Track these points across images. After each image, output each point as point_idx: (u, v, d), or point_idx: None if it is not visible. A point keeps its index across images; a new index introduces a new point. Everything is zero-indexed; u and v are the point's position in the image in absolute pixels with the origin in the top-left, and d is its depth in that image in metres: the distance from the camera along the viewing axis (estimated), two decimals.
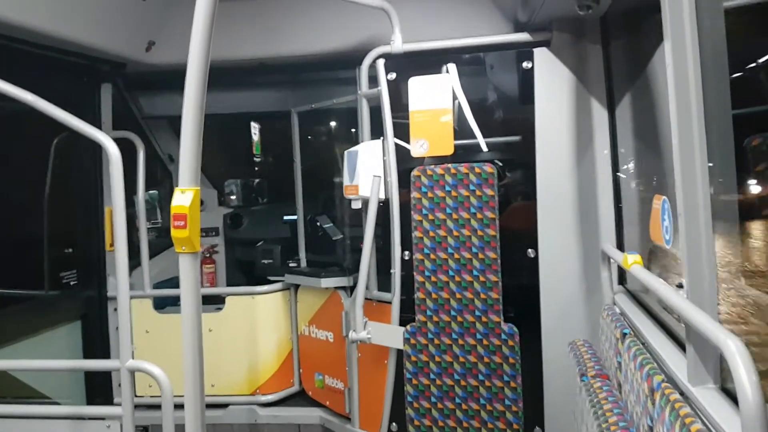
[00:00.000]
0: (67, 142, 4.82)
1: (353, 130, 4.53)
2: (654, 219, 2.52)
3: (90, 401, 4.79)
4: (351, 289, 4.59)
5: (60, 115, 3.19)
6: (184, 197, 2.24)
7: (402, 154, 4.08)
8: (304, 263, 5.26)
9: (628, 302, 3.14)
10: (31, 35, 3.72)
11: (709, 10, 1.92)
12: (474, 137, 4.09)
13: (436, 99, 3.97)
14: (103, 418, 3.62)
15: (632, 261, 2.65)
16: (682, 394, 1.91)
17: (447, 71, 4.05)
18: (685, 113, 1.89)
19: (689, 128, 1.89)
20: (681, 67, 1.90)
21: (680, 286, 1.99)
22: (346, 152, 4.27)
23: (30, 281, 4.77)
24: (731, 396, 1.81)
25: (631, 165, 3.64)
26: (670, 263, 2.70)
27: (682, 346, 2.20)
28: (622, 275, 3.57)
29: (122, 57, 4.59)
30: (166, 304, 5.18)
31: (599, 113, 3.84)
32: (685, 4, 1.88)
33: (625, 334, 2.58)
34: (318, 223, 5.38)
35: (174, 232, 2.26)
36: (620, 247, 3.69)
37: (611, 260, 3.36)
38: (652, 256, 2.99)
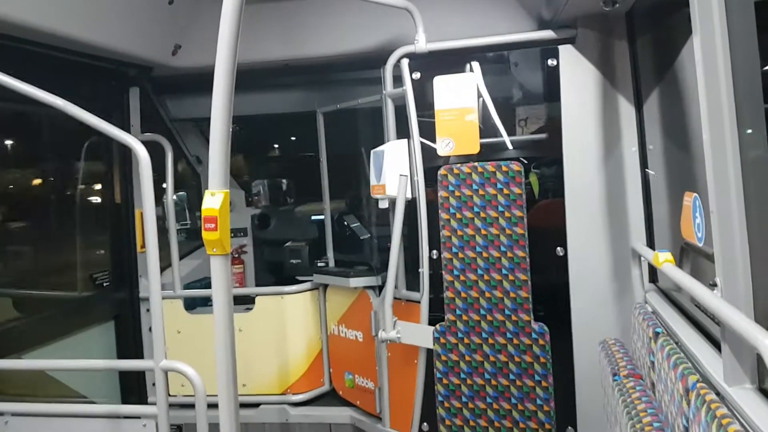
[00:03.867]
0: (97, 146, 4.91)
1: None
2: (685, 216, 2.49)
3: (124, 400, 4.87)
4: (380, 289, 4.60)
5: (90, 120, 3.24)
6: (214, 200, 2.27)
7: (428, 153, 4.08)
8: (332, 263, 5.28)
9: (660, 301, 3.10)
10: (60, 41, 3.79)
11: (739, 3, 1.89)
12: (499, 135, 4.07)
13: (462, 98, 3.97)
14: (138, 417, 3.67)
15: (664, 259, 2.62)
16: (718, 394, 1.88)
17: (471, 70, 4.04)
18: (716, 109, 1.87)
19: (720, 124, 1.86)
20: (711, 63, 1.88)
21: (714, 284, 1.96)
22: (372, 152, 4.28)
23: (64, 282, 4.87)
24: None
25: (661, 162, 3.59)
26: (702, 261, 2.67)
27: (716, 345, 2.17)
28: (653, 273, 3.53)
29: (149, 61, 4.66)
30: (196, 305, 5.25)
31: (627, 110, 3.80)
32: None
33: (657, 333, 2.55)
34: (345, 223, 5.39)
35: (205, 234, 2.29)
36: (651, 244, 3.65)
37: (642, 258, 3.32)
38: (684, 254, 2.95)
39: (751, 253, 1.85)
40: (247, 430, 4.89)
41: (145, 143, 3.29)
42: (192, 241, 5.78)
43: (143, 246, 4.82)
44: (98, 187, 5.07)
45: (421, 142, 4.08)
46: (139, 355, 4.97)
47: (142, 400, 4.94)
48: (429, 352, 4.07)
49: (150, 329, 4.01)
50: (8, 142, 4.68)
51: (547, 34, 3.96)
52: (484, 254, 3.90)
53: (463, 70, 4.04)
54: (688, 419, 1.92)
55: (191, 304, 5.18)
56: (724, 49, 1.85)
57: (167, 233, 5.08)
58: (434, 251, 4.06)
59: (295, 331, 5.00)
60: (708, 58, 1.88)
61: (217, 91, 2.20)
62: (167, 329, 4.75)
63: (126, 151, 4.76)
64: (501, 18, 4.14)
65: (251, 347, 4.87)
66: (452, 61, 4.09)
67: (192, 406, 3.29)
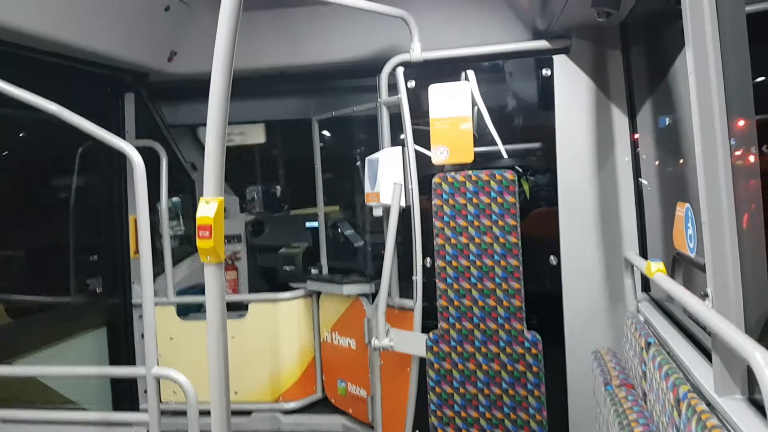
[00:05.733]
0: (91, 152, 4.90)
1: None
2: (677, 227, 2.50)
3: (116, 407, 4.85)
4: (373, 296, 4.59)
5: (84, 125, 3.24)
6: (208, 208, 2.26)
7: (422, 162, 4.09)
8: (325, 270, 5.28)
9: (652, 310, 3.11)
10: (56, 47, 3.79)
11: (731, 15, 1.90)
12: (494, 144, 4.09)
13: (456, 106, 3.98)
14: (130, 424, 3.66)
15: (656, 269, 2.63)
16: (708, 404, 1.89)
17: (466, 79, 4.06)
18: (708, 119, 1.88)
19: (712, 135, 1.87)
20: (703, 74, 1.89)
21: (705, 294, 1.97)
22: (366, 159, 4.29)
23: (57, 288, 4.85)
24: (759, 407, 1.78)
25: (654, 171, 3.61)
26: (695, 271, 2.68)
27: (708, 356, 2.17)
28: (646, 283, 3.54)
29: (145, 67, 4.66)
30: (189, 311, 5.23)
31: (620, 120, 3.82)
32: (706, 10, 1.86)
33: (649, 343, 2.55)
34: (339, 230, 5.40)
35: (199, 243, 2.28)
36: (643, 254, 3.67)
37: (634, 268, 3.33)
38: (676, 264, 2.96)
39: (742, 264, 1.86)
40: None
41: (139, 149, 3.29)
42: (185, 247, 5.77)
43: (136, 252, 4.81)
44: (92, 192, 5.06)
45: (416, 150, 4.09)
46: (132, 361, 4.94)
47: (134, 407, 4.91)
48: (422, 360, 4.07)
49: (142, 336, 3.99)
50: (1, 147, 4.67)
51: (542, 44, 3.98)
52: (478, 263, 3.90)
53: (458, 79, 4.06)
54: (679, 429, 1.92)
55: (184, 311, 5.16)
56: (716, 60, 1.87)
57: (161, 239, 5.07)
58: (428, 259, 4.06)
59: (287, 338, 5.00)
60: (700, 69, 1.89)
61: (213, 98, 2.20)
62: (160, 336, 4.74)
63: (120, 157, 4.76)
64: (496, 27, 4.16)
65: (244, 354, 4.85)
66: (447, 69, 4.10)
67: (184, 413, 3.28)
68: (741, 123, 1.92)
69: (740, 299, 1.86)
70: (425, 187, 4.06)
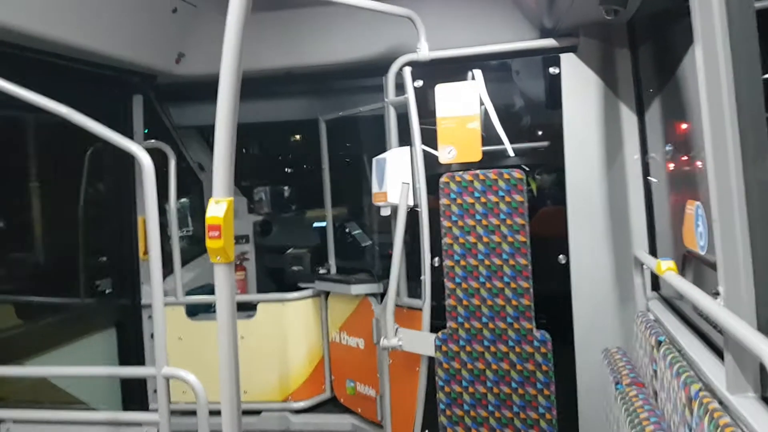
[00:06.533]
0: (100, 153, 4.92)
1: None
2: (687, 224, 2.49)
3: (126, 407, 4.87)
4: (381, 296, 4.59)
5: (93, 127, 3.24)
6: (218, 208, 2.26)
7: (430, 161, 4.09)
8: (333, 270, 5.28)
9: (662, 309, 3.10)
10: (65, 49, 3.81)
11: (740, 11, 1.89)
12: (502, 143, 4.08)
13: (463, 106, 3.97)
14: (140, 424, 3.67)
15: (666, 267, 2.62)
16: (720, 403, 1.88)
17: (473, 78, 4.05)
18: (718, 117, 1.87)
19: (722, 132, 1.86)
20: (712, 70, 1.87)
21: (716, 293, 1.96)
22: (374, 159, 4.29)
23: (66, 289, 4.87)
24: None
25: (663, 169, 3.59)
26: (705, 269, 2.67)
27: (719, 354, 2.16)
28: (656, 281, 3.53)
29: (153, 69, 4.67)
30: (198, 311, 5.24)
31: (628, 118, 3.80)
32: (715, 6, 1.85)
33: (660, 342, 2.55)
34: (347, 230, 5.39)
35: (209, 243, 2.28)
36: (653, 252, 3.65)
37: (644, 266, 3.32)
38: (687, 262, 2.95)
39: (754, 262, 1.85)
40: None
41: (148, 150, 3.30)
42: (194, 247, 5.78)
43: (145, 253, 4.82)
44: (101, 194, 5.08)
45: (423, 150, 4.09)
46: (141, 361, 4.96)
47: (144, 407, 4.93)
48: (431, 359, 4.07)
49: (152, 336, 4.01)
50: (11, 149, 4.68)
51: (549, 42, 3.97)
52: (486, 262, 3.89)
53: (465, 78, 4.05)
54: (691, 428, 1.91)
55: (193, 311, 5.17)
56: (725, 56, 1.85)
57: (169, 240, 5.08)
58: (436, 259, 4.06)
59: (296, 338, 5.00)
60: (709, 65, 1.88)
61: (222, 100, 2.20)
62: (169, 336, 4.73)
63: (129, 158, 4.77)
64: (503, 26, 4.15)
65: (253, 354, 4.85)
66: (454, 69, 4.10)
67: (193, 412, 3.29)
68: (751, 119, 1.91)
69: (752, 297, 1.85)
70: (433, 187, 4.05)
